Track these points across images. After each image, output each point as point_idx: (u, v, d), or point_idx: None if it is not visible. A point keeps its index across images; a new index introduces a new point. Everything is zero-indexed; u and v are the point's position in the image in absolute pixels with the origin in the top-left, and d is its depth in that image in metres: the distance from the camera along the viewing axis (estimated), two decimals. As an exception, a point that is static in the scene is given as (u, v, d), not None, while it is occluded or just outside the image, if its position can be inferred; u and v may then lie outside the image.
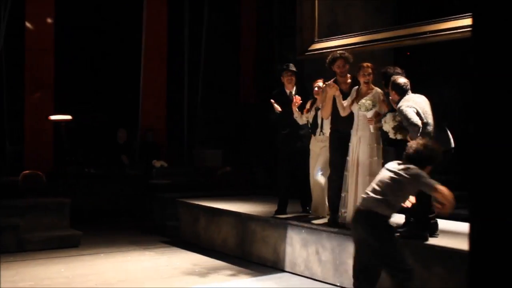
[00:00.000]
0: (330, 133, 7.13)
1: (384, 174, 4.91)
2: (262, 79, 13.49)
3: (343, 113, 6.76)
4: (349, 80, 6.99)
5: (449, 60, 8.91)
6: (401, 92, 6.12)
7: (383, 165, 6.47)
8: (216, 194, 10.00)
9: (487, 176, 1.94)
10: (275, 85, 12.36)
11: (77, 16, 12.04)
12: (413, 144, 4.94)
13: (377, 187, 4.87)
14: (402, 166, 4.83)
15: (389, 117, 6.13)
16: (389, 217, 4.86)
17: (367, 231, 4.81)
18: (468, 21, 5.50)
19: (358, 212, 4.97)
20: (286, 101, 7.67)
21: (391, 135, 6.13)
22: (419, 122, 5.81)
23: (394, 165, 4.91)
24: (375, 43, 6.72)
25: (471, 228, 2.01)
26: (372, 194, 4.86)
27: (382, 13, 9.86)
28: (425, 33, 5.84)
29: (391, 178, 4.81)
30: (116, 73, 12.50)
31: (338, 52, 6.96)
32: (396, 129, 6.02)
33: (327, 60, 6.97)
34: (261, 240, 7.68)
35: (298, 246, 7.13)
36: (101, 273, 7.03)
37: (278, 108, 7.69)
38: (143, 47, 12.42)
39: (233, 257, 7.97)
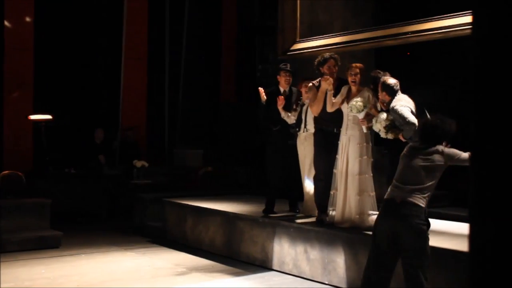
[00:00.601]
0: (315, 132, 7.20)
1: (411, 163, 4.64)
2: (242, 79, 13.50)
3: (330, 109, 6.80)
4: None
5: (432, 59, 9.00)
6: (392, 92, 6.19)
7: (372, 164, 6.59)
8: (201, 193, 9.97)
9: (487, 176, 1.96)
10: (256, 84, 12.44)
11: (56, 15, 11.96)
12: (427, 122, 4.76)
13: (408, 177, 4.61)
14: (427, 150, 4.63)
15: (380, 116, 6.18)
16: (425, 208, 4.55)
17: (405, 222, 4.47)
18: (450, 22, 5.57)
19: (390, 203, 4.61)
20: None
21: (382, 135, 6.18)
22: (415, 121, 5.88)
23: (415, 152, 4.67)
24: (357, 43, 6.78)
25: (471, 229, 2.03)
26: (405, 185, 4.57)
27: (363, 13, 9.91)
28: (407, 33, 5.90)
29: (422, 166, 4.59)
30: (96, 72, 12.44)
31: (327, 53, 7.01)
32: (388, 128, 6.06)
33: (317, 61, 7.01)
34: (249, 239, 7.71)
35: (286, 245, 7.17)
36: (83, 274, 7.00)
37: (264, 96, 7.73)
38: (124, 46, 12.36)
39: (221, 256, 7.98)
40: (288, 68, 7.87)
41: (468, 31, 5.44)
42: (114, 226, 10.15)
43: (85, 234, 9.42)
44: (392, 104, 6.10)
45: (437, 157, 4.61)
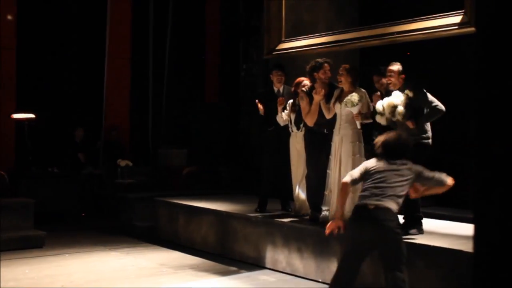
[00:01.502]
0: (305, 133, 7.27)
1: (383, 172, 4.85)
2: (227, 78, 13.49)
3: (328, 116, 6.90)
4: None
5: (418, 59, 9.08)
6: (408, 78, 6.24)
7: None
8: (190, 193, 9.97)
9: (491, 178, 1.97)
10: (240, 84, 12.47)
11: (39, 14, 11.87)
12: (388, 139, 4.97)
13: (380, 185, 4.79)
14: (397, 161, 4.90)
15: (400, 94, 6.11)
16: (397, 213, 4.82)
17: (380, 227, 4.64)
18: (436, 22, 5.63)
19: (363, 209, 4.75)
20: (274, 99, 7.79)
21: (398, 115, 6.10)
22: (444, 108, 5.99)
23: (386, 163, 4.91)
24: (342, 43, 6.83)
25: (475, 229, 2.04)
26: (377, 192, 4.75)
27: (347, 14, 9.98)
28: (393, 33, 5.95)
29: (393, 175, 4.81)
30: (79, 71, 12.37)
31: (320, 58, 7.05)
32: (406, 108, 6.02)
33: (310, 67, 7.05)
34: (243, 238, 7.76)
35: (280, 243, 7.23)
36: (68, 274, 6.96)
37: (261, 108, 7.81)
38: (107, 45, 12.31)
39: (213, 254, 8.03)
40: (281, 67, 7.93)
41: (455, 31, 5.53)
42: (98, 226, 10.11)
43: (69, 234, 9.38)
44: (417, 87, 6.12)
45: (406, 171, 4.87)
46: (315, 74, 7.02)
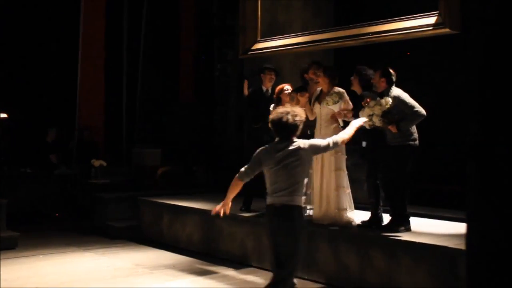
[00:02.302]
0: None
1: (278, 166, 4.62)
2: (201, 78, 13.47)
3: (312, 117, 6.99)
4: None
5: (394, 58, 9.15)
6: (390, 81, 6.36)
7: (347, 160, 6.80)
8: (164, 193, 9.95)
9: (486, 176, 1.99)
10: (215, 84, 12.45)
11: (12, 13, 11.73)
12: (274, 117, 4.69)
13: (280, 180, 4.61)
14: (289, 149, 4.63)
15: (381, 101, 6.19)
16: (301, 204, 4.68)
17: (284, 225, 4.58)
18: (411, 23, 5.70)
19: (271, 208, 4.65)
20: (262, 98, 7.92)
21: (376, 122, 6.16)
22: (424, 112, 6.09)
23: (278, 153, 4.63)
24: (318, 43, 6.90)
25: (468, 228, 2.05)
26: (280, 188, 4.60)
27: (323, 13, 10.02)
28: (368, 34, 6.02)
29: (290, 165, 4.59)
30: (52, 71, 12.25)
31: (311, 60, 7.22)
32: (385, 114, 6.10)
33: (301, 70, 7.30)
34: (228, 236, 7.86)
35: (265, 241, 7.27)
36: (42, 275, 6.89)
37: (246, 91, 7.94)
38: (80, 44, 12.21)
39: (198, 253, 8.11)
40: (272, 67, 8.01)
41: (430, 32, 5.59)
42: (72, 226, 10.03)
43: (42, 235, 9.28)
44: (396, 93, 6.22)
45: (301, 152, 4.63)
46: (305, 75, 7.23)
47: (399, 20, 5.83)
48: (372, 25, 6.13)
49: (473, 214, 2.12)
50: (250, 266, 7.41)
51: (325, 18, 9.99)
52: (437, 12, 5.38)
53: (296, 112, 4.67)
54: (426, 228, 6.60)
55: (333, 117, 6.87)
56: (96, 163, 10.83)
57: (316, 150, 4.80)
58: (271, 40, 7.27)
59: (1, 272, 6.92)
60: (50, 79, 12.25)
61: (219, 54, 12.49)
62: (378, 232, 6.38)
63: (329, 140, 4.81)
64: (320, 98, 6.93)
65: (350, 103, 6.86)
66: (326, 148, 4.82)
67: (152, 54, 13.12)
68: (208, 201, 8.85)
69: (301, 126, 4.70)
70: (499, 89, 2.04)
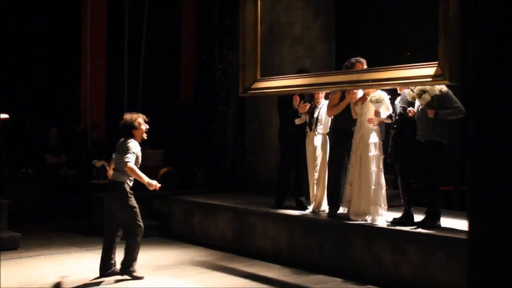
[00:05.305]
0: (333, 131, 7.83)
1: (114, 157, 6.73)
2: (202, 78, 13.49)
3: (356, 116, 7.38)
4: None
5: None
6: None
7: (384, 160, 7.21)
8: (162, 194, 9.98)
9: (486, 175, 1.99)
10: (216, 84, 12.47)
11: (14, 13, 11.76)
12: (123, 120, 6.85)
13: (115, 165, 6.69)
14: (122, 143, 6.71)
15: (435, 87, 6.36)
16: (126, 182, 6.54)
17: (114, 198, 6.56)
18: (411, 72, 5.77)
19: (109, 183, 6.75)
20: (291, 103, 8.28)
21: (426, 99, 6.40)
22: (464, 110, 6.37)
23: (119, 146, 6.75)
24: (317, 86, 7.15)
25: (469, 225, 2.05)
26: (115, 169, 6.64)
27: (322, 14, 10.03)
28: (367, 80, 6.18)
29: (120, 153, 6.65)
30: (55, 72, 12.28)
31: (354, 58, 7.38)
32: (435, 95, 6.37)
33: (344, 67, 7.41)
34: (261, 233, 8.09)
35: (299, 237, 7.57)
36: (44, 276, 6.91)
37: (297, 102, 8.17)
38: (83, 46, 12.24)
39: (230, 249, 8.36)
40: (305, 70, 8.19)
41: (429, 83, 5.69)
42: (74, 227, 10.05)
43: (44, 235, 9.32)
44: (441, 87, 6.35)
45: (125, 143, 6.71)
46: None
47: (399, 68, 5.96)
48: (372, 71, 6.32)
49: (473, 214, 2.13)
50: (283, 262, 7.59)
51: (326, 19, 10.00)
52: (436, 63, 5.41)
53: None
54: (456, 224, 6.73)
55: (371, 120, 7.18)
56: (98, 163, 10.83)
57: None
58: (270, 80, 7.38)
59: (3, 273, 6.96)
60: (53, 80, 12.27)
61: (219, 54, 12.52)
62: (413, 228, 6.59)
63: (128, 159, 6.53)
64: (362, 98, 7.27)
65: (391, 106, 7.10)
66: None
67: (153, 55, 13.16)
68: (235, 199, 9.28)
69: None
70: (499, 89, 2.05)
